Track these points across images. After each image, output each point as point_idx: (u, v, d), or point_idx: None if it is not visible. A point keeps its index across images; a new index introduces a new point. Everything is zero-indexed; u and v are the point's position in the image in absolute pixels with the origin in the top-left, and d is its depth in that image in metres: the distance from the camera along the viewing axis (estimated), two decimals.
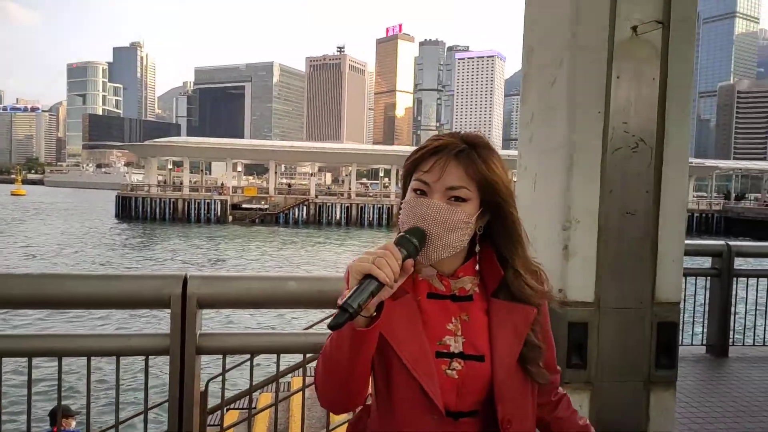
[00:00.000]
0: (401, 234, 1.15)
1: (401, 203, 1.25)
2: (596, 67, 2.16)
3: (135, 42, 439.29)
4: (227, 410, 4.90)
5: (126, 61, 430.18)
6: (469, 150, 1.20)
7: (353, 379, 1.14)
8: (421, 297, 1.23)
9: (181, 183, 60.37)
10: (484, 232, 1.25)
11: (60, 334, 2.46)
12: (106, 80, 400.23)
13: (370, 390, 1.28)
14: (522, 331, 1.23)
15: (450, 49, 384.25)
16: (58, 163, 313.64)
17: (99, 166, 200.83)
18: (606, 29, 2.13)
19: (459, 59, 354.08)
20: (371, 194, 64.60)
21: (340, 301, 1.02)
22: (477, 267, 1.26)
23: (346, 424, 2.78)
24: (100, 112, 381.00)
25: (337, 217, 55.57)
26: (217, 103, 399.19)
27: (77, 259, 28.38)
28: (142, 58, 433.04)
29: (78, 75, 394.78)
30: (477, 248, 1.25)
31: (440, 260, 1.20)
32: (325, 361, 1.16)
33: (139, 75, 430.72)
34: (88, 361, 2.35)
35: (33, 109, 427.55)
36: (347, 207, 56.13)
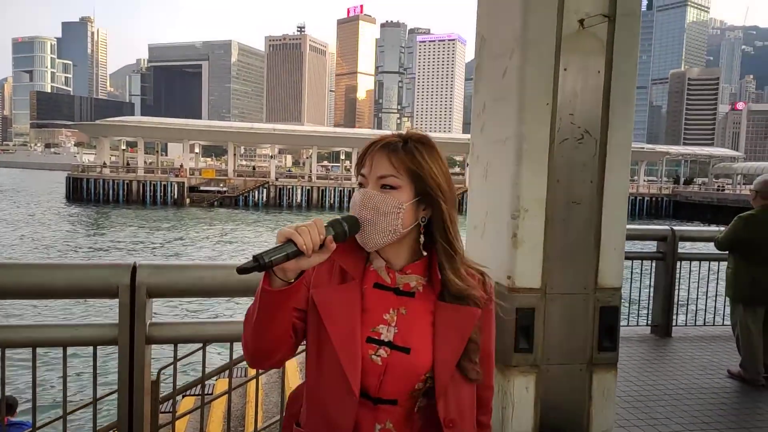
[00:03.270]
0: (336, 218, 1.23)
1: None
2: (545, 59, 2.20)
3: (85, 17, 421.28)
4: (183, 398, 4.86)
5: (76, 37, 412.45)
6: (398, 142, 1.28)
7: (265, 334, 1.20)
8: (367, 286, 1.29)
9: (131, 164, 58.63)
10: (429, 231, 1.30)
11: (3, 324, 2.39)
12: (55, 56, 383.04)
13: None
14: (465, 333, 1.27)
15: (411, 31, 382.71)
16: (5, 143, 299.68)
17: (48, 145, 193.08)
18: (554, 22, 2.17)
19: (420, 42, 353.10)
20: (332, 177, 64.27)
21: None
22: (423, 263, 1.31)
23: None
24: (49, 90, 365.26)
25: (298, 199, 55.10)
26: (173, 81, 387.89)
27: (24, 245, 27.33)
28: (92, 33, 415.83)
29: (24, 50, 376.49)
30: (422, 239, 1.29)
31: (379, 246, 1.27)
32: (246, 316, 1.24)
33: (89, 51, 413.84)
34: (34, 351, 2.29)
35: None
36: (308, 190, 55.67)
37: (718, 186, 68.77)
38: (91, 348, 2.36)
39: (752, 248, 4.58)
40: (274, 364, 1.29)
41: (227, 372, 4.23)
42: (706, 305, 6.12)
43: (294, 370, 4.86)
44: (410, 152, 1.26)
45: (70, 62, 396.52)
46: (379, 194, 1.25)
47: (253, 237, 32.78)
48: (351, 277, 1.28)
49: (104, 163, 56.94)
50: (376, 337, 1.24)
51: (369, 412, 1.24)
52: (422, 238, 1.29)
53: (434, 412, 1.25)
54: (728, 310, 5.06)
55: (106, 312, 13.02)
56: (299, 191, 55.54)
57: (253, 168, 72.79)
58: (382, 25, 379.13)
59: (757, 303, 4.53)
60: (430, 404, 1.26)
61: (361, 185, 1.30)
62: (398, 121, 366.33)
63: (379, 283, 1.29)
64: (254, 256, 1.08)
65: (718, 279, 6.18)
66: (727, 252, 4.80)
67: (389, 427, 1.25)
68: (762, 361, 4.49)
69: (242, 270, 1.07)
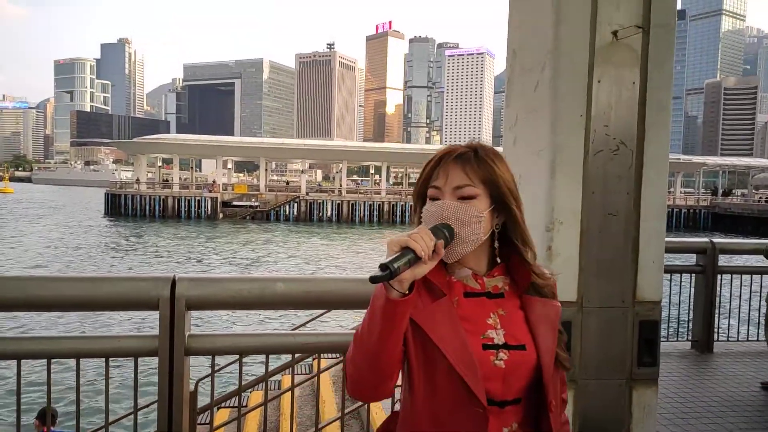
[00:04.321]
0: (433, 225, 1.25)
1: (419, 219, 1.35)
2: (578, 71, 2.20)
3: (123, 38, 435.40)
4: (218, 409, 4.92)
5: (114, 58, 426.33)
6: (469, 152, 1.32)
7: (383, 355, 1.19)
8: (459, 297, 1.31)
9: (170, 180, 60.11)
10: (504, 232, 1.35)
11: (49, 336, 2.48)
12: (94, 77, 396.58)
13: (398, 396, 1.38)
14: (555, 323, 1.34)
15: (440, 46, 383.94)
16: (46, 161, 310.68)
17: (87, 163, 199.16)
18: (587, 34, 2.17)
19: (449, 56, 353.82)
20: (362, 191, 64.60)
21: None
22: (500, 263, 1.36)
23: (338, 421, 2.79)
24: (88, 109, 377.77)
25: (328, 213, 55.49)
26: (207, 99, 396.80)
27: (67, 259, 28.15)
28: (130, 54, 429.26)
29: (65, 71, 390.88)
30: (496, 244, 1.34)
31: (463, 256, 1.30)
32: (357, 340, 1.22)
33: (127, 71, 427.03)
34: (77, 362, 2.36)
35: (20, 106, 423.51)
36: (338, 204, 56.03)
37: (760, 197, 66.65)
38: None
39: None
40: (386, 390, 1.25)
41: (261, 384, 4.27)
42: (749, 320, 5.92)
43: (327, 383, 4.87)
44: (483, 162, 1.30)
45: (108, 82, 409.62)
46: (460, 204, 1.28)
47: (289, 251, 33.11)
48: (440, 292, 1.29)
49: (137, 179, 58.45)
50: (490, 343, 1.27)
51: (496, 417, 1.25)
52: (497, 244, 1.34)
53: (538, 402, 1.30)
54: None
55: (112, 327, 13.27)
56: (329, 205, 55.96)
57: (287, 183, 73.84)
58: (411, 41, 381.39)
59: None
60: (538, 395, 1.30)
61: (433, 198, 1.32)
62: (427, 134, 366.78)
63: (470, 291, 1.32)
64: (382, 265, 1.10)
65: (761, 292, 5.98)
66: None
67: (515, 428, 1.28)
68: None
69: (375, 279, 1.09)
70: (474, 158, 1.30)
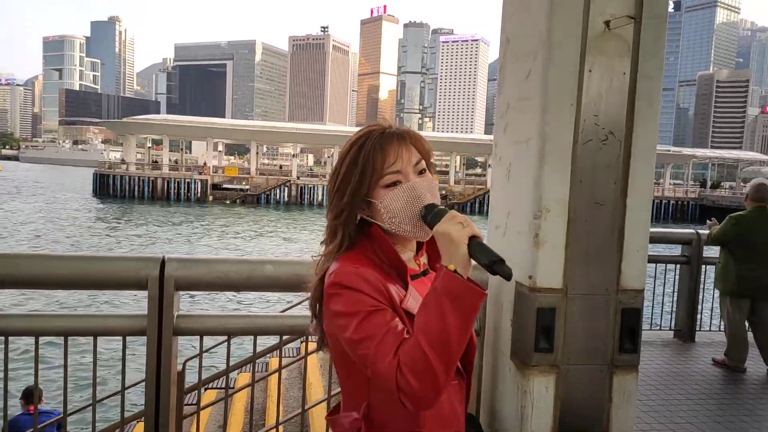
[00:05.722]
0: (439, 208, 1.20)
1: (374, 209, 1.27)
2: (569, 60, 2.21)
3: (113, 16, 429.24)
4: (205, 390, 4.95)
5: (104, 36, 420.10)
6: (395, 129, 1.30)
7: (461, 348, 1.10)
8: (408, 280, 1.30)
9: (160, 161, 59.66)
10: None
11: (38, 313, 2.48)
12: (84, 55, 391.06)
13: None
14: None
15: (434, 32, 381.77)
16: (34, 139, 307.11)
17: (76, 142, 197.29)
18: (579, 23, 2.18)
19: (443, 42, 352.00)
20: None
21: (485, 261, 1.09)
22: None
23: (324, 403, 2.81)
24: (77, 88, 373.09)
25: (319, 198, 55.41)
26: (198, 80, 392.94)
27: (54, 238, 27.93)
28: (120, 32, 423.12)
29: (54, 49, 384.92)
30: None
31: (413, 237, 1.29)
32: (444, 343, 1.07)
33: (117, 50, 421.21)
34: (65, 340, 2.37)
35: (8, 83, 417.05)
36: None
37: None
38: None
39: (740, 246, 4.85)
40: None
41: (249, 366, 4.30)
42: None
43: (314, 366, 4.91)
44: (417, 136, 1.31)
45: (98, 61, 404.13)
46: (432, 179, 1.28)
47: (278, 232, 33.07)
48: (403, 274, 1.27)
49: (122, 160, 57.91)
50: None
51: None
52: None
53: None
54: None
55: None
56: (320, 190, 55.82)
57: (280, 167, 73.50)
58: (405, 26, 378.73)
59: (742, 296, 4.82)
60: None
61: (394, 184, 1.24)
62: (420, 121, 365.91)
63: (414, 273, 1.31)
64: (497, 260, 1.08)
65: None
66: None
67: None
68: (747, 349, 4.79)
69: (510, 275, 1.09)
70: (407, 133, 1.29)
